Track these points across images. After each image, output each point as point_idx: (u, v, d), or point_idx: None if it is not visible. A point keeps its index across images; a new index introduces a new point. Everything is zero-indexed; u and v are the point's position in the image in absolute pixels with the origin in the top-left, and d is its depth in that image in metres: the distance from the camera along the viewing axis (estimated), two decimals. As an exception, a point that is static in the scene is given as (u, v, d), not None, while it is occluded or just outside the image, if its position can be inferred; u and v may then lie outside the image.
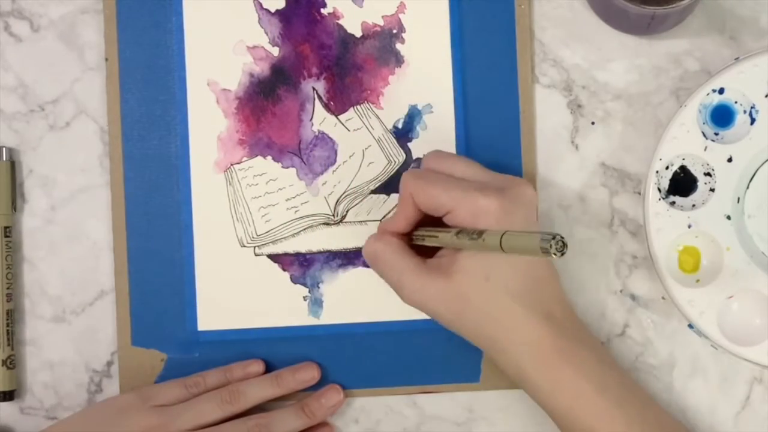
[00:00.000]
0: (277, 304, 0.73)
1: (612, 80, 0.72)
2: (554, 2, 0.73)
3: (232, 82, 0.73)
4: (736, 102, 0.68)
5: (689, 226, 0.69)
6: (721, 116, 0.69)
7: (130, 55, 0.73)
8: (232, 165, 0.73)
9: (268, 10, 0.73)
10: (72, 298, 0.74)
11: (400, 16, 0.73)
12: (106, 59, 0.73)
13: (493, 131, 0.72)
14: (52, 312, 0.74)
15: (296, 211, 0.73)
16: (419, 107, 0.73)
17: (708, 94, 0.68)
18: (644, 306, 0.72)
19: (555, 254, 0.55)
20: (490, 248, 0.61)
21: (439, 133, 0.72)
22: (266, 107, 0.73)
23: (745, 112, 0.68)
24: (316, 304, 0.73)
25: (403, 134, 0.73)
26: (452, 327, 0.67)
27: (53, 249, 0.74)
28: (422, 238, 0.68)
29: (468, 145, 0.72)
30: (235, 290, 0.73)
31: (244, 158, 0.73)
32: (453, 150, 0.72)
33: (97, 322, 0.74)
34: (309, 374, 0.72)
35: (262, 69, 0.73)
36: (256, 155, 0.73)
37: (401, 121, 0.73)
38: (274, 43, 0.73)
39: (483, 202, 0.65)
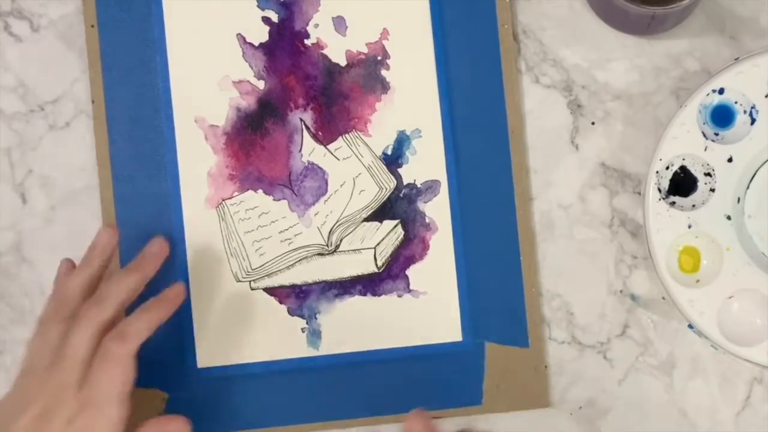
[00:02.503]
0: (275, 337, 0.73)
1: (612, 80, 0.72)
2: (554, 2, 0.73)
3: (220, 118, 0.73)
4: (736, 102, 0.68)
5: (689, 226, 0.69)
6: (721, 116, 0.69)
7: (116, 95, 0.73)
8: (223, 200, 0.73)
9: (251, 44, 0.73)
10: (72, 298, 0.74)
11: (384, 42, 0.73)
12: (93, 101, 0.73)
13: (482, 152, 0.72)
14: (52, 312, 0.74)
15: (290, 243, 0.73)
16: (407, 132, 0.73)
17: (708, 94, 0.68)
18: (644, 306, 0.72)
19: None
20: None
21: (428, 157, 0.72)
22: (255, 141, 0.73)
23: (745, 112, 0.68)
24: (314, 335, 0.73)
25: (393, 160, 0.73)
26: None
27: (53, 249, 0.74)
28: None
29: (458, 167, 0.72)
30: (233, 325, 0.73)
31: (236, 193, 0.73)
32: (443, 173, 0.72)
33: (97, 322, 0.74)
34: (156, 246, 0.70)
35: (248, 103, 0.73)
36: (247, 189, 0.73)
37: (390, 147, 0.73)
38: (259, 77, 0.73)
39: None
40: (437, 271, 0.72)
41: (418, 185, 0.73)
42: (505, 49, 0.72)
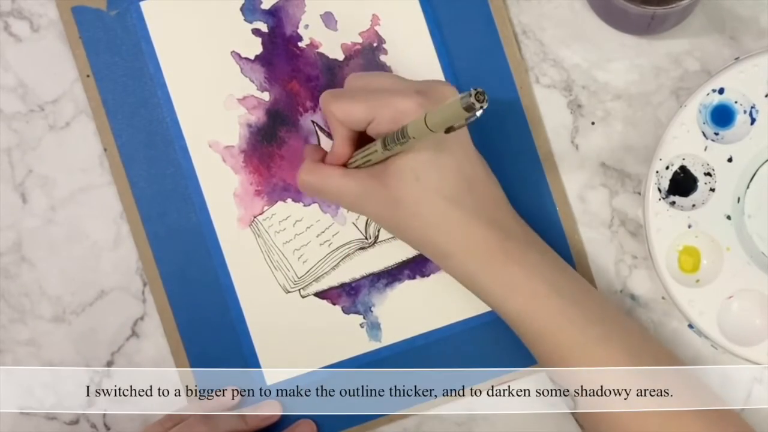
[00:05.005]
0: (336, 339, 0.73)
1: (612, 80, 0.72)
2: (554, 2, 0.73)
3: (233, 137, 0.73)
4: (736, 102, 0.68)
5: (689, 226, 0.69)
6: (721, 116, 0.69)
7: (127, 140, 0.73)
8: (255, 218, 0.73)
9: (248, 59, 0.73)
10: (72, 298, 0.74)
11: (376, 28, 0.73)
12: (105, 149, 0.73)
13: (496, 112, 0.72)
14: (52, 312, 0.74)
15: (330, 245, 0.73)
16: None
17: (708, 94, 0.68)
18: (644, 306, 0.72)
19: (479, 105, 0.55)
20: (419, 136, 0.61)
21: None
22: (272, 152, 0.73)
23: (745, 112, 0.69)
24: (374, 328, 0.73)
25: None
26: (396, 233, 0.67)
27: (53, 249, 0.74)
28: (356, 162, 0.68)
29: (477, 129, 0.70)
30: (292, 337, 0.73)
31: (265, 207, 0.73)
32: None
33: (97, 322, 0.74)
34: (270, 410, 0.72)
35: (257, 117, 0.73)
36: (276, 201, 0.73)
37: None
38: (262, 89, 0.73)
39: (402, 104, 0.64)
40: None
41: None
42: (496, 9, 0.72)
